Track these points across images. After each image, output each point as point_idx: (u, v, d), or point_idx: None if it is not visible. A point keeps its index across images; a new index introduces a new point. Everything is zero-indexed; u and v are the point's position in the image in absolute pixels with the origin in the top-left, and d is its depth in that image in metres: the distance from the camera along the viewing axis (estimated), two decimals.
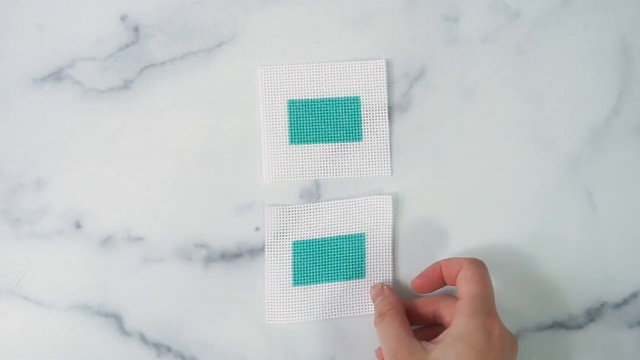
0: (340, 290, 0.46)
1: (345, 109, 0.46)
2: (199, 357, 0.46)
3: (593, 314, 0.47)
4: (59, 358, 0.45)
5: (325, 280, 0.46)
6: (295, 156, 0.46)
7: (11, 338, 0.45)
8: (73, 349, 0.45)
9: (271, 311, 0.45)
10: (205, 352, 0.46)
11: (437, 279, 0.43)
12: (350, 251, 0.46)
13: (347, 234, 0.46)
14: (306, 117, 0.46)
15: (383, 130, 0.46)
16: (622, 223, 0.47)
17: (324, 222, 0.46)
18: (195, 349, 0.46)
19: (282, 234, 0.46)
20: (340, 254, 0.46)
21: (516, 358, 0.39)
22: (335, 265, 0.46)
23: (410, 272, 0.46)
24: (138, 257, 0.46)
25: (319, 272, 0.46)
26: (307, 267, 0.46)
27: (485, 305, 0.39)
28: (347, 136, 0.46)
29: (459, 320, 0.38)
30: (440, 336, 0.39)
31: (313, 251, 0.46)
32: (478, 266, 0.40)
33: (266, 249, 0.46)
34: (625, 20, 0.47)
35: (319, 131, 0.46)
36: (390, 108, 0.47)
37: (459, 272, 0.40)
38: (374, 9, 0.47)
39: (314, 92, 0.46)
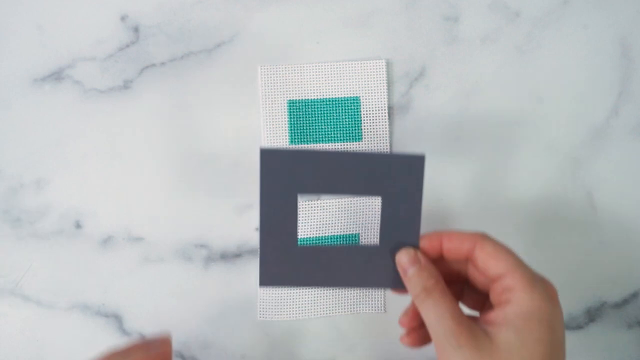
0: (333, 289, 0.46)
1: (345, 109, 0.46)
2: (199, 357, 0.46)
3: (593, 314, 0.47)
4: (59, 358, 0.45)
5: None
6: None
7: (11, 338, 0.45)
8: (73, 349, 0.45)
9: (263, 308, 0.46)
10: (205, 352, 0.46)
11: (435, 255, 0.38)
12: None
13: (342, 233, 0.46)
14: (306, 117, 0.46)
15: (383, 130, 0.46)
16: (622, 223, 0.47)
17: (319, 221, 0.46)
18: (195, 349, 0.46)
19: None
20: None
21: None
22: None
23: None
24: (138, 257, 0.46)
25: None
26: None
27: (533, 273, 0.35)
28: (347, 136, 0.46)
29: (520, 297, 0.34)
30: (497, 316, 0.34)
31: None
32: (493, 238, 0.36)
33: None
34: (625, 20, 0.47)
35: (319, 131, 0.46)
36: (390, 108, 0.47)
37: (474, 250, 0.36)
38: (374, 9, 0.47)
39: (314, 92, 0.46)
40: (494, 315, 0.35)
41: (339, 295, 0.46)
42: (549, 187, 0.47)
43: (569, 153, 0.47)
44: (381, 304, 0.46)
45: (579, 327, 0.46)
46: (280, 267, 0.39)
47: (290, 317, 0.46)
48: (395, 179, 0.38)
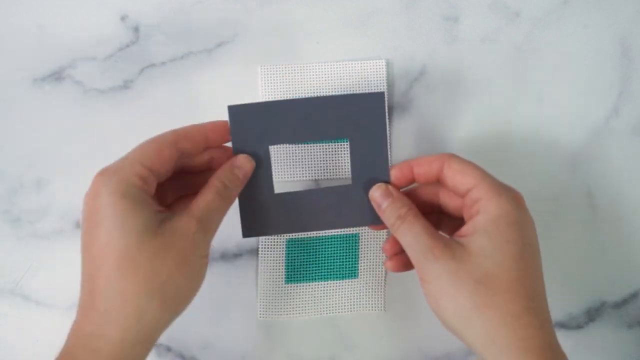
0: (333, 288, 0.46)
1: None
2: (199, 357, 0.46)
3: (593, 314, 0.47)
4: None
5: (318, 279, 0.46)
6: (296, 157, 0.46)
7: (11, 338, 0.45)
8: None
9: (263, 307, 0.46)
10: (205, 352, 0.46)
11: (408, 183, 0.40)
12: (344, 251, 0.46)
13: (342, 233, 0.46)
14: None
15: None
16: (622, 223, 0.47)
17: None
18: (195, 349, 0.46)
19: None
20: (334, 253, 0.46)
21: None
22: (329, 264, 0.46)
23: (404, 274, 0.46)
24: None
25: (312, 270, 0.46)
26: (300, 265, 0.46)
27: (499, 183, 0.37)
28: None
29: (488, 205, 0.36)
30: (469, 228, 0.36)
31: (307, 250, 0.46)
32: (459, 157, 0.38)
33: (260, 246, 0.46)
34: (625, 20, 0.47)
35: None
36: (390, 108, 0.47)
37: (442, 170, 0.38)
38: (374, 9, 0.47)
39: (314, 92, 0.46)
40: (466, 228, 0.36)
41: (339, 295, 0.46)
42: (549, 187, 0.47)
43: (569, 153, 0.47)
44: (381, 303, 0.46)
45: (579, 327, 0.46)
46: (261, 217, 0.40)
47: (290, 317, 0.46)
48: (360, 119, 0.39)
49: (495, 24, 0.47)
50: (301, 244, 0.46)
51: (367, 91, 0.45)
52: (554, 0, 0.47)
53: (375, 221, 0.40)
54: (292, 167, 0.46)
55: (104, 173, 0.35)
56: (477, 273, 0.34)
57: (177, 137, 0.37)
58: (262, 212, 0.40)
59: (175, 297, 0.35)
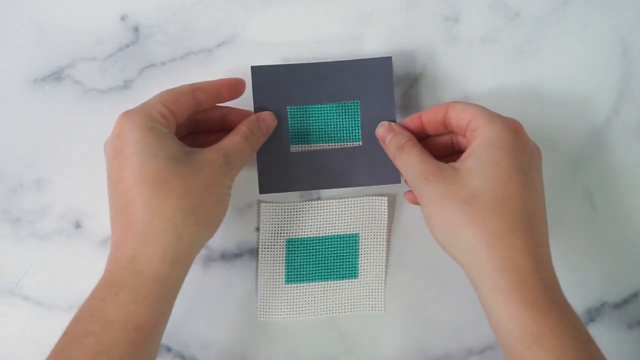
0: (333, 288, 0.46)
1: (345, 113, 0.46)
2: (199, 357, 0.46)
3: (593, 314, 0.47)
4: None
5: (318, 279, 0.46)
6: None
7: (11, 338, 0.45)
8: None
9: (262, 307, 0.46)
10: (205, 352, 0.46)
11: (419, 133, 0.42)
12: (344, 251, 0.46)
13: (342, 233, 0.46)
14: (306, 120, 0.46)
15: None
16: (622, 223, 0.47)
17: (319, 221, 0.46)
18: (195, 349, 0.46)
19: (276, 232, 0.46)
20: (334, 253, 0.46)
21: (541, 166, 0.39)
22: (329, 264, 0.46)
23: (405, 275, 0.46)
24: None
25: (312, 270, 0.46)
26: (300, 265, 0.46)
27: (496, 113, 0.39)
28: (346, 137, 0.46)
29: (482, 131, 0.38)
30: (466, 153, 0.38)
31: (307, 250, 0.46)
32: (462, 102, 0.40)
33: (260, 246, 0.46)
34: (625, 20, 0.47)
35: (319, 133, 0.46)
36: None
37: (446, 115, 0.40)
38: (374, 9, 0.47)
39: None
40: (464, 154, 0.39)
41: (339, 295, 0.46)
42: (549, 187, 0.47)
43: (569, 153, 0.47)
44: (381, 303, 0.46)
45: None
46: (277, 174, 0.44)
47: (290, 317, 0.46)
48: (370, 81, 0.44)
49: (495, 24, 0.47)
50: (301, 244, 0.46)
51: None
52: (554, 0, 0.47)
53: (383, 180, 0.44)
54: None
55: (128, 113, 0.37)
56: (464, 193, 0.36)
57: (193, 87, 0.40)
58: (278, 169, 0.44)
59: (207, 218, 0.37)
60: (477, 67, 0.47)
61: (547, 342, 0.33)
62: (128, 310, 0.34)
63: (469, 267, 0.37)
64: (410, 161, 0.40)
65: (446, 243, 0.38)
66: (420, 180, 0.38)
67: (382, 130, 0.43)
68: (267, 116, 0.43)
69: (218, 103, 0.42)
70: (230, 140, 0.40)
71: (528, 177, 0.37)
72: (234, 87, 0.42)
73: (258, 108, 0.44)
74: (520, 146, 0.37)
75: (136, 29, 0.46)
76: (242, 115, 0.43)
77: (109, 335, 0.33)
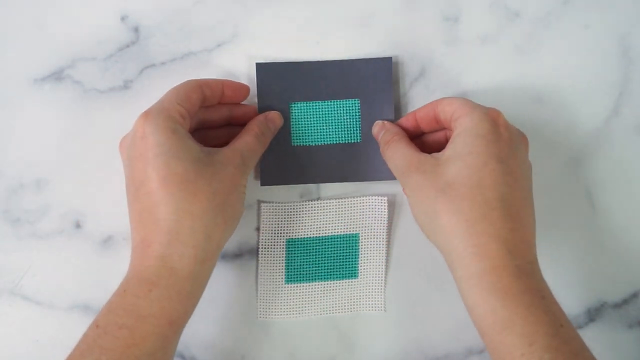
0: (333, 288, 0.46)
1: (345, 111, 0.46)
2: (199, 357, 0.46)
3: (593, 314, 0.47)
4: (59, 358, 0.45)
5: (318, 279, 0.46)
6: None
7: (11, 338, 0.45)
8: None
9: (262, 307, 0.46)
10: (205, 352, 0.46)
11: (415, 131, 0.44)
12: (344, 251, 0.46)
13: (342, 233, 0.46)
14: (308, 118, 0.46)
15: None
16: (622, 223, 0.47)
17: (319, 221, 0.46)
18: (195, 349, 0.46)
19: (276, 232, 0.46)
20: (334, 253, 0.46)
21: (527, 153, 0.40)
22: (329, 264, 0.46)
23: (405, 275, 0.46)
24: None
25: (312, 270, 0.46)
26: (300, 265, 0.46)
27: (476, 104, 0.40)
28: (346, 137, 0.46)
29: (461, 120, 0.39)
30: (447, 144, 0.39)
31: (307, 250, 0.46)
32: (450, 96, 0.42)
33: (260, 246, 0.46)
34: (625, 20, 0.47)
35: (319, 131, 0.46)
36: None
37: (436, 110, 0.41)
38: (374, 9, 0.47)
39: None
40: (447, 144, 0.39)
41: (339, 295, 0.46)
42: (549, 187, 0.47)
43: (569, 153, 0.47)
44: (381, 303, 0.46)
45: (579, 327, 0.46)
46: (279, 167, 0.45)
47: (290, 317, 0.46)
48: (370, 81, 0.45)
49: (495, 24, 0.47)
50: (301, 244, 0.46)
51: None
52: (554, 0, 0.47)
53: (381, 176, 0.45)
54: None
55: (149, 115, 0.38)
56: (441, 182, 0.37)
57: (200, 83, 0.41)
58: (279, 163, 0.45)
59: (232, 216, 0.39)
60: (477, 67, 0.47)
61: (519, 329, 0.34)
62: (162, 306, 0.35)
63: (446, 254, 0.37)
64: (394, 155, 0.41)
65: (427, 232, 0.39)
66: (403, 173, 0.40)
67: (376, 128, 0.45)
68: (275, 116, 0.44)
69: (220, 102, 0.43)
70: (244, 141, 0.41)
71: (505, 165, 0.37)
72: (237, 91, 0.43)
73: (262, 103, 0.45)
74: (497, 135, 0.38)
75: (136, 29, 0.46)
76: (247, 111, 0.44)
77: (142, 329, 0.35)
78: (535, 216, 0.38)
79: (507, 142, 0.38)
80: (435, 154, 0.39)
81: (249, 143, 0.41)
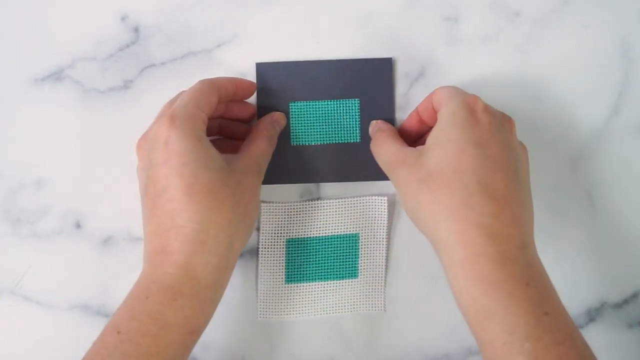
0: (333, 288, 0.46)
1: (345, 111, 0.46)
2: (199, 357, 0.46)
3: (593, 314, 0.47)
4: (59, 358, 0.45)
5: (318, 279, 0.46)
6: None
7: (11, 338, 0.45)
8: (73, 349, 0.45)
9: (262, 307, 0.46)
10: (205, 352, 0.46)
11: (422, 127, 0.44)
12: (344, 251, 0.46)
13: (342, 233, 0.46)
14: (307, 118, 0.46)
15: None
16: (622, 223, 0.47)
17: (319, 221, 0.46)
18: (195, 349, 0.45)
19: (276, 232, 0.46)
20: (334, 253, 0.46)
21: (513, 134, 0.40)
22: (329, 264, 0.46)
23: (404, 274, 0.46)
24: (138, 257, 0.45)
25: (312, 270, 0.46)
26: (300, 265, 0.46)
27: (462, 92, 0.40)
28: (345, 136, 0.46)
29: (442, 110, 0.39)
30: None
31: (307, 250, 0.46)
32: (443, 85, 0.42)
33: (260, 246, 0.46)
34: (625, 20, 0.47)
35: (319, 131, 0.46)
36: None
37: (432, 101, 0.41)
38: (373, 9, 0.47)
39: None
40: None
41: (339, 295, 0.46)
42: (549, 187, 0.47)
43: (569, 153, 0.47)
44: (381, 303, 0.46)
45: (579, 327, 0.46)
46: (278, 166, 0.45)
47: (290, 317, 0.46)
48: (370, 81, 0.45)
49: (495, 24, 0.47)
50: (301, 244, 0.46)
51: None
52: (554, 0, 0.47)
53: (380, 176, 0.43)
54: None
55: (175, 119, 0.37)
56: (421, 173, 0.37)
57: (217, 85, 0.40)
58: (279, 162, 0.45)
59: (251, 225, 0.40)
60: (477, 67, 0.47)
61: (500, 318, 0.34)
62: (185, 315, 0.36)
63: (434, 244, 0.38)
64: (381, 150, 0.42)
65: (416, 223, 0.39)
66: (388, 168, 0.40)
67: (371, 128, 0.45)
68: (280, 117, 0.45)
69: (229, 100, 0.43)
70: (258, 147, 0.41)
71: (484, 150, 0.36)
72: (247, 90, 0.44)
73: (261, 103, 0.45)
74: (474, 120, 0.38)
75: (136, 29, 0.46)
76: (244, 107, 0.44)
77: (166, 338, 0.35)
78: (529, 199, 0.38)
79: (486, 126, 0.37)
80: (419, 147, 0.39)
81: (263, 149, 0.41)
